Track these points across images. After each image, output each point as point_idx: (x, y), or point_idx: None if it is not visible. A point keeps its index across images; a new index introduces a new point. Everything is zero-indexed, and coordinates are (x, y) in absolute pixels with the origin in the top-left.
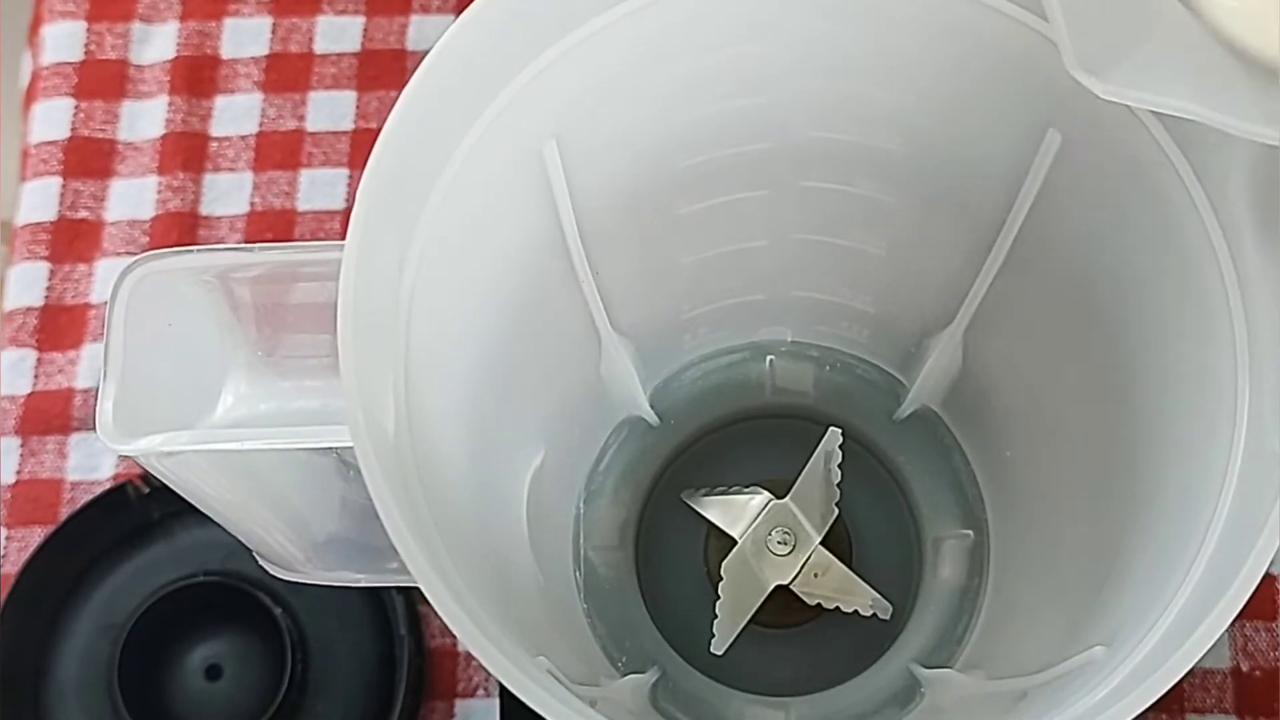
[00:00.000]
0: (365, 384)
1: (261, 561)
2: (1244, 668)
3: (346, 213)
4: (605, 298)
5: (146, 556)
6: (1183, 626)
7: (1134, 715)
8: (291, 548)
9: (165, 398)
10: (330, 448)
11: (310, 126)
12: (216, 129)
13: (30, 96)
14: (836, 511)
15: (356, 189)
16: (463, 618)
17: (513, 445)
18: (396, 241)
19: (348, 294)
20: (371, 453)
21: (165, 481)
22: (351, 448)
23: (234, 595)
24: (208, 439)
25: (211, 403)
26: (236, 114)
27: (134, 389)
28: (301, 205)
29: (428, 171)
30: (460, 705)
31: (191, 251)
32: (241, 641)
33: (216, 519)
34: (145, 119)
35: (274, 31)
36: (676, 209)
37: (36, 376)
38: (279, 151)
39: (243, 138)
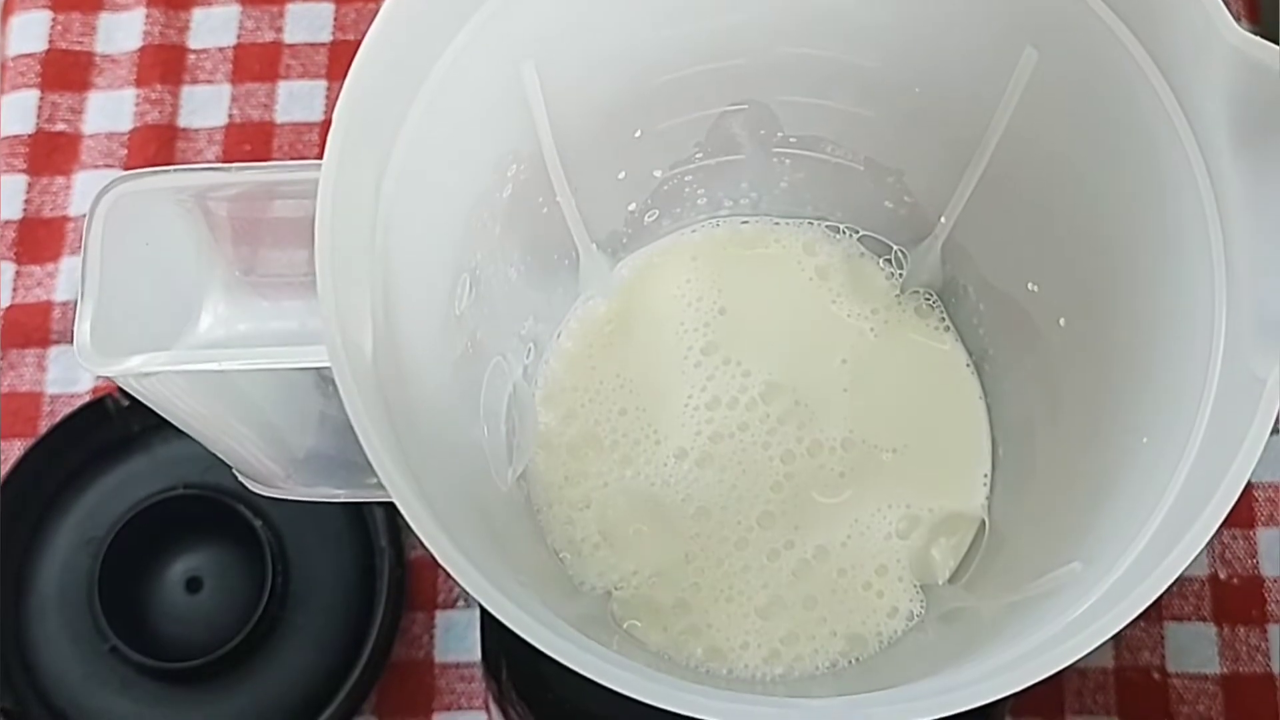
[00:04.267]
0: (343, 304)
1: (241, 478)
2: (1222, 575)
3: (324, 125)
4: (583, 211)
5: (126, 469)
6: (1160, 544)
7: (1112, 634)
8: (271, 464)
9: (143, 319)
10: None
11: (288, 38)
12: (194, 41)
13: (7, 9)
14: None
15: (334, 101)
16: (441, 538)
17: (492, 361)
18: (373, 161)
19: (325, 215)
20: (349, 374)
21: (143, 402)
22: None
23: (214, 508)
24: (186, 360)
25: (190, 323)
26: (214, 26)
27: (111, 310)
28: (280, 117)
29: (404, 91)
30: (441, 616)
31: (168, 171)
32: (222, 554)
33: (195, 437)
34: (123, 31)
35: None
36: (655, 124)
37: (15, 289)
38: (257, 63)
39: (220, 50)
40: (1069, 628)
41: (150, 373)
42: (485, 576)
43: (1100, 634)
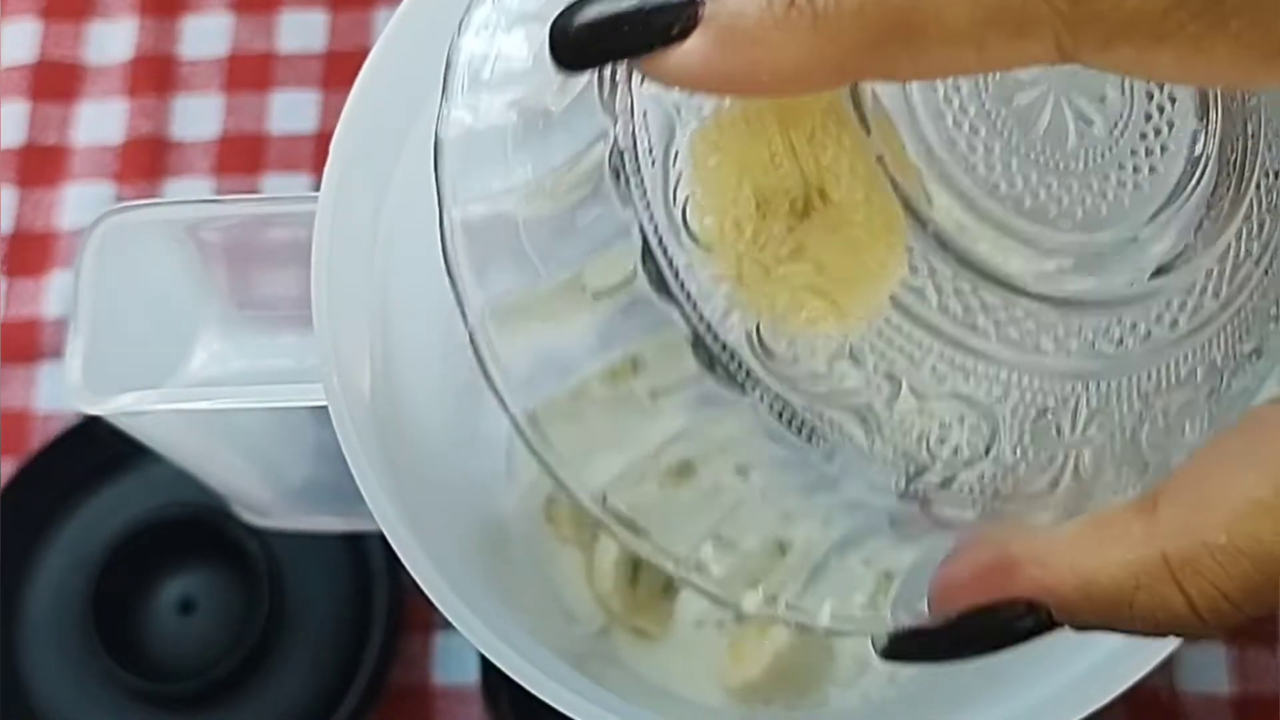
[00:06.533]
0: (340, 343)
1: (237, 509)
2: None
3: (318, 136)
4: None
5: (119, 489)
6: None
7: (1133, 681)
8: (267, 494)
9: (136, 354)
10: None
11: (281, 48)
12: (186, 51)
13: None
14: None
15: (329, 111)
16: (440, 584)
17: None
18: (371, 192)
19: (321, 253)
20: (347, 416)
21: (137, 438)
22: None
23: (208, 528)
24: (179, 398)
25: (183, 358)
26: (207, 35)
27: (103, 345)
28: (273, 129)
29: (401, 123)
30: (438, 638)
31: (161, 203)
32: (216, 575)
33: (189, 470)
34: (114, 41)
35: None
36: None
37: (7, 304)
38: (250, 74)
39: (213, 60)
40: (1089, 672)
41: (143, 411)
42: (483, 621)
43: (1126, 675)
